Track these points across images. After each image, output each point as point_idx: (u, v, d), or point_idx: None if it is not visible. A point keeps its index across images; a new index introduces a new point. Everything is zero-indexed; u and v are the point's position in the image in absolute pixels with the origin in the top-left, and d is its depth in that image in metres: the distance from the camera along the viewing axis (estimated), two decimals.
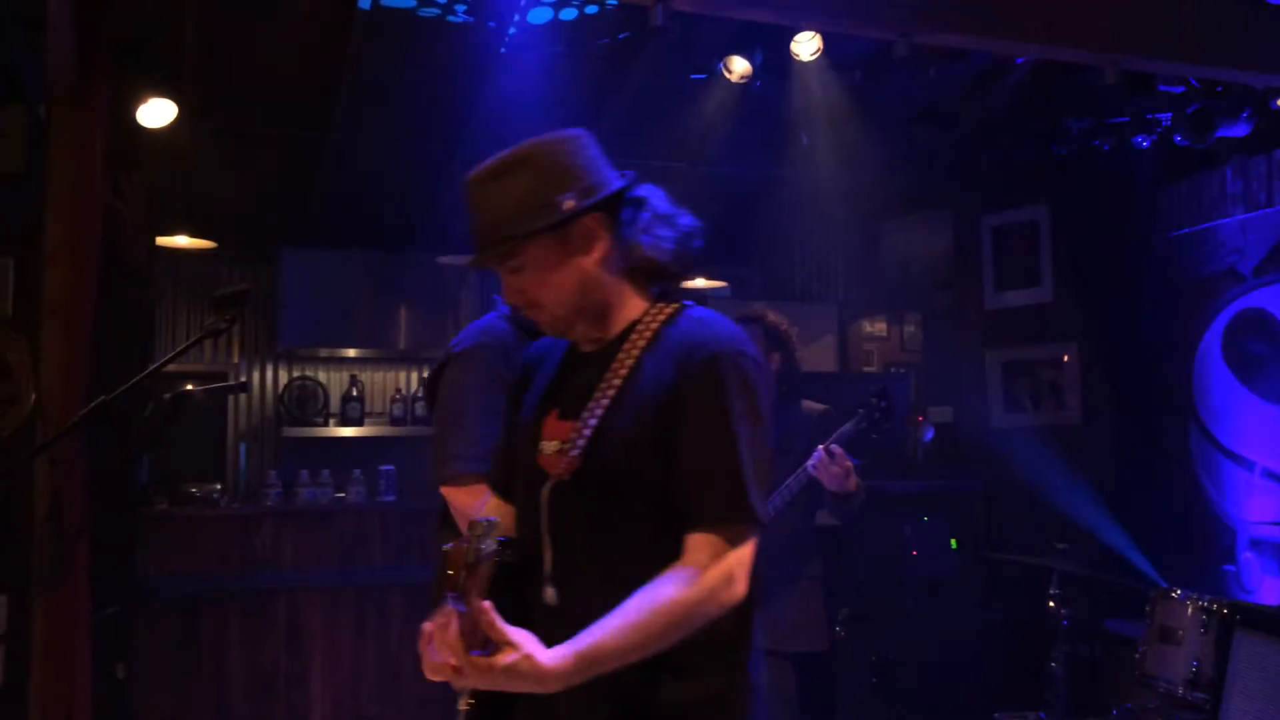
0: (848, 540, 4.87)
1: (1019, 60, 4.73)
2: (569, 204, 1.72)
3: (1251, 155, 4.95)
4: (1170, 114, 4.69)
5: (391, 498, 5.65)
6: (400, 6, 4.52)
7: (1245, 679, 2.68)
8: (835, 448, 3.30)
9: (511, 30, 4.61)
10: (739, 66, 4.60)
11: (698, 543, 1.63)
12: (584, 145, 1.80)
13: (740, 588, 1.64)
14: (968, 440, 5.82)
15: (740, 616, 1.70)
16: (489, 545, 1.46)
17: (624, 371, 1.73)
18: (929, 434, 5.82)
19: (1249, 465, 4.97)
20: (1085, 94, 4.86)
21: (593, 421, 1.70)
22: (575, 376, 1.82)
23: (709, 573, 1.61)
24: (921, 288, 6.42)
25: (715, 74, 4.69)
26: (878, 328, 6.77)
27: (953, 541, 5.30)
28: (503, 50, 4.68)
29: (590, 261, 1.76)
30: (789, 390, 3.65)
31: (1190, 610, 3.50)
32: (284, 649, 5.02)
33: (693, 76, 4.87)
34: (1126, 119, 4.88)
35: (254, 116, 5.28)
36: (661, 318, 1.77)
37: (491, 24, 4.59)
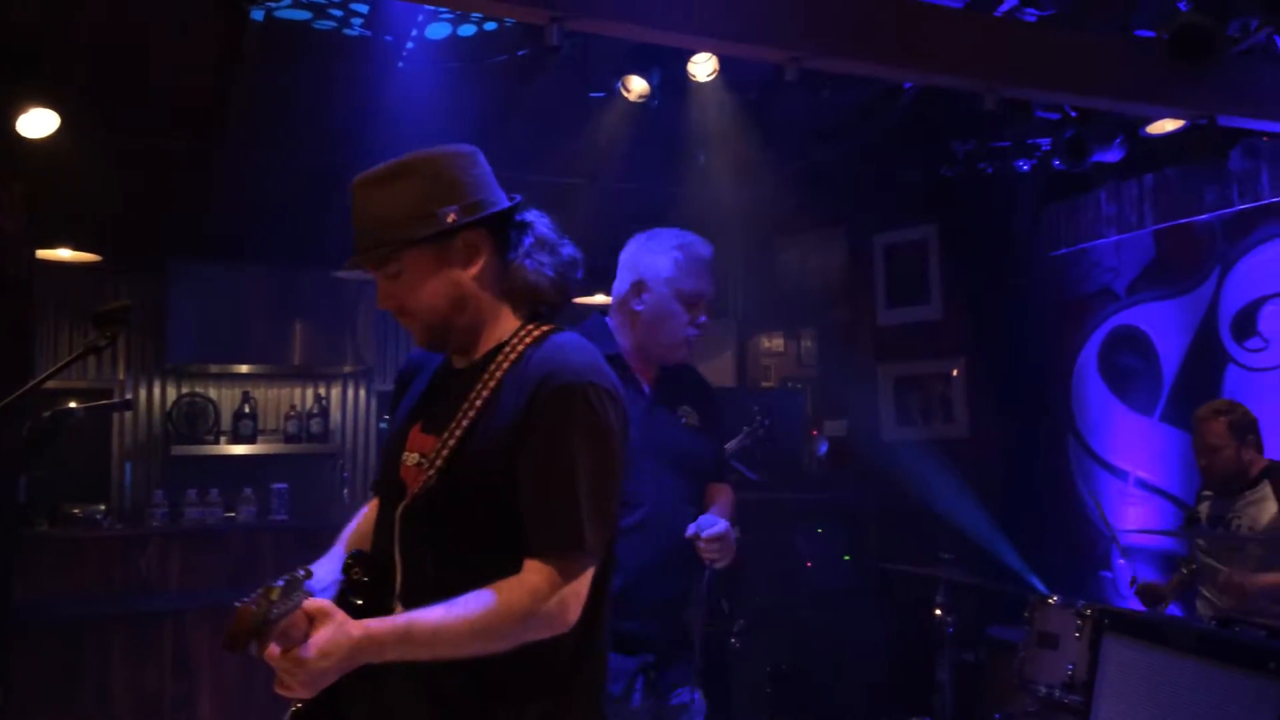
0: (741, 553, 4.94)
1: (907, 85, 4.90)
2: (451, 217, 1.74)
3: (1124, 180, 5.20)
4: (1049, 139, 4.89)
5: (284, 517, 5.55)
6: (295, 19, 4.46)
7: (1113, 681, 2.81)
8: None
9: (409, 45, 4.59)
10: (637, 85, 4.65)
11: (534, 568, 1.65)
12: (473, 161, 1.82)
13: (571, 615, 1.66)
14: (861, 453, 5.97)
15: (582, 641, 1.72)
16: (285, 608, 1.44)
17: (486, 393, 1.74)
18: (823, 448, 5.95)
19: (1123, 475, 5.20)
20: (970, 118, 5.04)
21: (451, 442, 1.72)
22: (443, 391, 1.83)
23: (542, 596, 1.63)
24: (817, 304, 6.56)
25: (614, 93, 4.74)
26: (775, 343, 6.89)
27: (846, 556, 5.41)
28: (400, 65, 4.66)
29: (467, 276, 1.78)
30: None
31: (1066, 616, 3.65)
32: (170, 672, 4.89)
33: (591, 95, 4.91)
34: (1009, 143, 5.07)
35: (142, 127, 5.15)
36: (528, 340, 1.79)
37: (389, 38, 4.56)
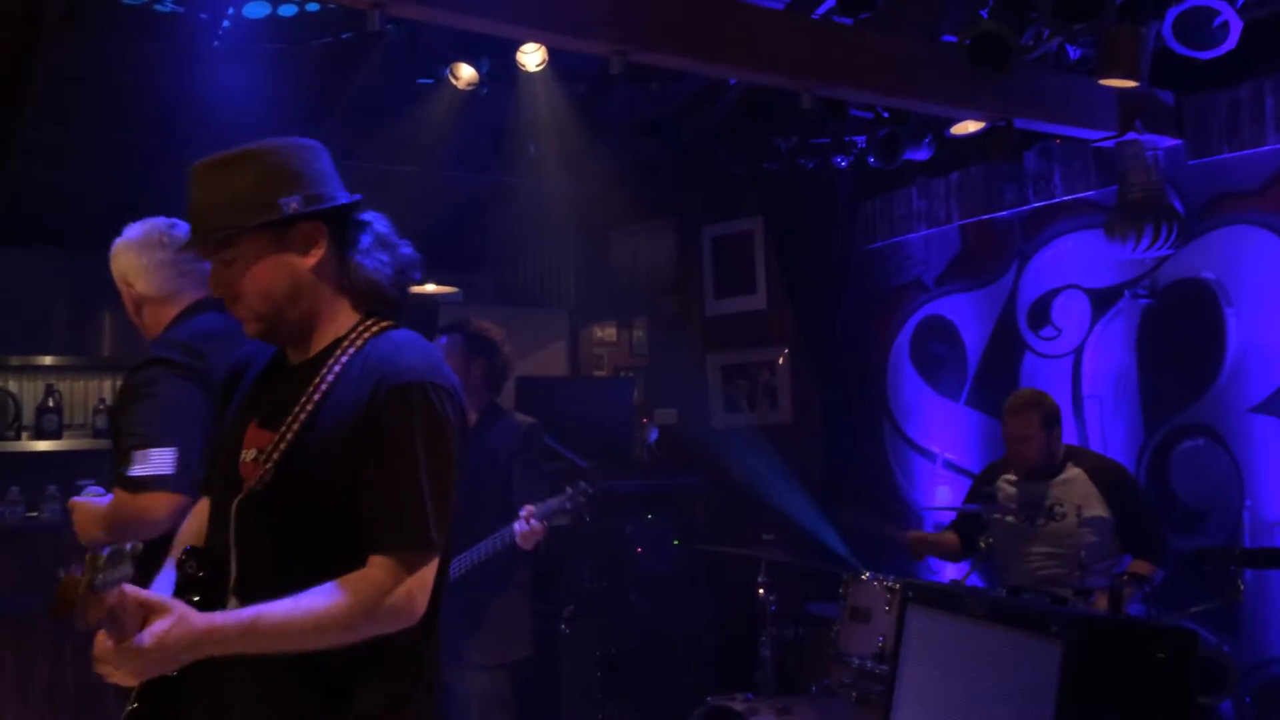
0: (572, 540, 5.00)
1: (732, 81, 5.03)
2: (293, 207, 1.74)
3: (933, 177, 5.49)
4: (864, 137, 5.11)
5: None
6: None
7: (915, 648, 2.99)
8: (536, 523, 3.44)
9: (225, 24, 4.43)
10: (465, 73, 4.62)
11: (378, 563, 1.68)
12: (317, 156, 1.83)
13: (419, 607, 1.70)
14: (690, 440, 6.10)
15: (422, 631, 1.74)
16: (110, 578, 1.43)
17: (324, 387, 1.75)
18: (653, 435, 6.07)
19: (932, 457, 5.50)
20: (792, 115, 5.22)
21: (289, 436, 1.72)
22: (279, 386, 1.82)
23: (389, 592, 1.66)
24: (648, 294, 6.67)
25: (442, 79, 4.70)
26: (608, 333, 6.97)
27: (675, 541, 5.54)
28: (216, 44, 4.49)
29: (304, 266, 1.78)
30: (495, 408, 3.75)
31: (877, 590, 3.85)
32: None
33: (419, 81, 4.85)
34: (827, 140, 5.27)
35: None
36: (367, 337, 1.80)
37: (203, 16, 4.39)
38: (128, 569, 1.45)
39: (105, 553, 1.42)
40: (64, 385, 6.20)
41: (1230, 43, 3.57)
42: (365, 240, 1.84)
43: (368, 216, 1.87)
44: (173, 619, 1.53)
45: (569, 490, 3.51)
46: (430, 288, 6.10)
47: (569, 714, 4.73)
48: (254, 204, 1.73)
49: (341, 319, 1.83)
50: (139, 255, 2.65)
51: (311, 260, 1.78)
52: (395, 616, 1.67)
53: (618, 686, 4.85)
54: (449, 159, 5.50)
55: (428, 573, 1.71)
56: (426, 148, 5.17)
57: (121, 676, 1.55)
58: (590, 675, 4.81)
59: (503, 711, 3.60)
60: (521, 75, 4.57)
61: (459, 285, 6.33)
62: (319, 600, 1.62)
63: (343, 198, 1.82)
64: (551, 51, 4.35)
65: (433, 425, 1.72)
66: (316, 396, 1.74)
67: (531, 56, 4.43)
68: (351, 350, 1.78)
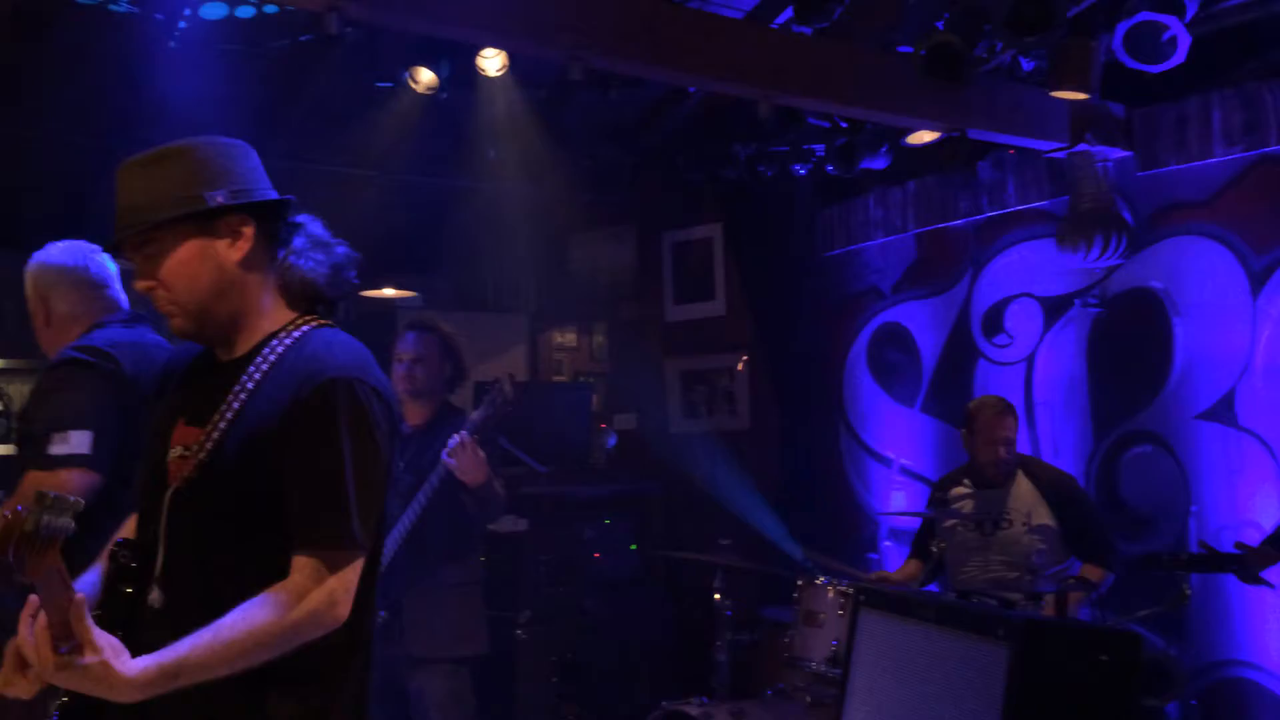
0: (530, 545, 5.00)
1: (691, 89, 5.06)
2: (217, 199, 1.74)
3: (890, 186, 5.55)
4: (823, 146, 5.16)
5: None
6: None
7: (866, 651, 3.03)
8: (464, 435, 3.37)
9: (181, 24, 4.39)
10: (425, 77, 4.61)
11: (301, 564, 1.66)
12: (245, 154, 1.83)
13: (342, 610, 1.68)
14: (649, 445, 6.12)
15: (349, 635, 1.73)
16: (55, 522, 1.41)
17: (250, 385, 1.75)
18: (612, 440, 6.08)
19: (888, 462, 5.56)
20: (751, 123, 5.26)
21: (214, 433, 1.72)
22: (207, 384, 1.82)
23: (309, 595, 1.64)
24: (608, 300, 6.68)
25: (401, 83, 4.68)
26: (568, 338, 6.97)
27: (632, 546, 5.55)
28: (172, 45, 4.45)
29: (231, 260, 1.77)
30: (450, 407, 3.75)
31: (830, 595, 3.88)
32: None
33: (378, 84, 4.84)
34: (786, 148, 5.31)
35: None
36: (297, 335, 1.80)
37: (159, 16, 4.36)
38: (69, 521, 1.43)
39: (53, 495, 1.41)
40: (13, 389, 6.10)
41: (1179, 57, 3.65)
42: (299, 241, 1.84)
43: (301, 218, 1.87)
44: (93, 662, 1.50)
45: (485, 397, 3.48)
46: (389, 291, 6.08)
47: (524, 717, 4.72)
48: (179, 197, 1.73)
49: (271, 317, 1.83)
50: (60, 276, 2.76)
51: (238, 254, 1.77)
52: (317, 623, 1.65)
53: (574, 691, 4.86)
54: (408, 163, 5.49)
55: (350, 573, 1.69)
56: (386, 151, 5.16)
57: (24, 689, 1.54)
58: (547, 680, 4.81)
59: (463, 709, 3.60)
60: (481, 79, 4.57)
61: (418, 289, 6.31)
62: (239, 628, 1.59)
63: (271, 194, 1.82)
64: (511, 56, 4.36)
65: (359, 423, 1.71)
66: (243, 394, 1.74)
67: (491, 61, 4.43)
68: (280, 348, 1.78)
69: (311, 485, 1.68)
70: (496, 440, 3.61)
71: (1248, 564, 3.53)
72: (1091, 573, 4.02)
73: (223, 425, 1.72)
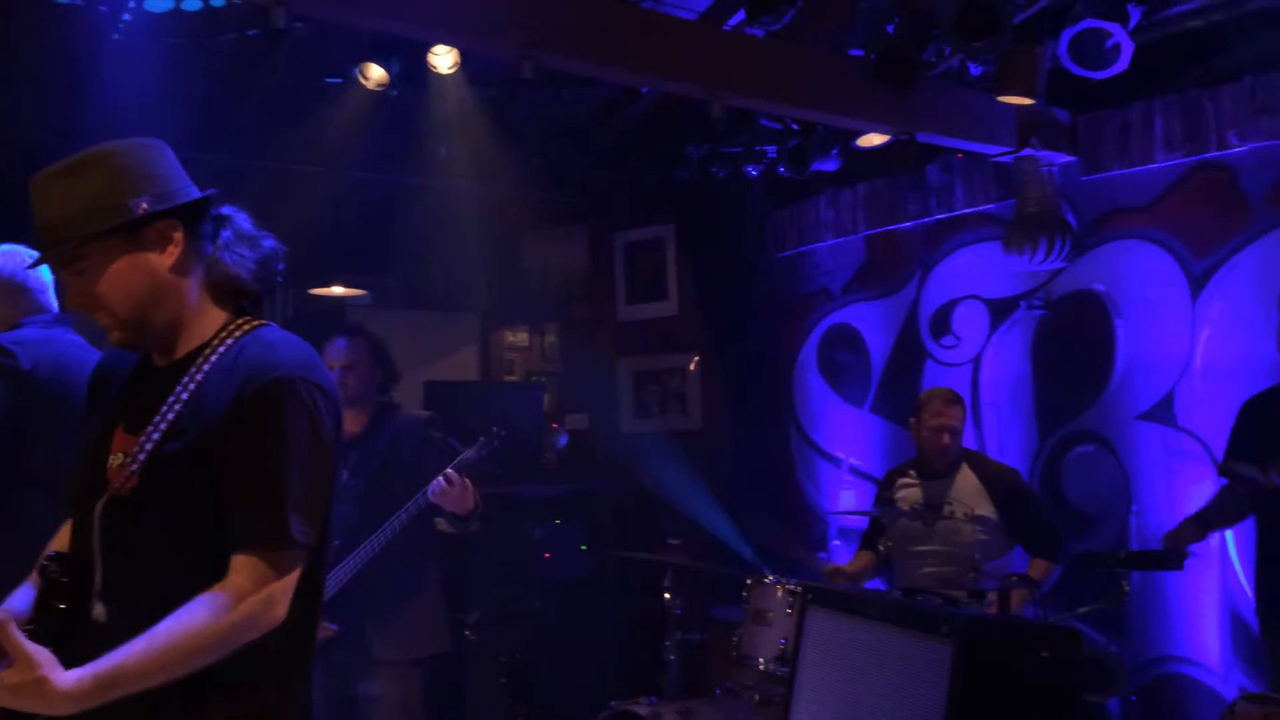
0: (479, 545, 4.97)
1: (644, 90, 5.07)
2: (143, 207, 1.70)
3: (840, 188, 5.60)
4: (775, 147, 5.20)
5: None
6: None
7: (813, 648, 3.05)
8: (453, 474, 3.39)
9: (126, 16, 4.32)
10: (375, 74, 4.57)
11: (239, 565, 1.64)
12: (162, 154, 1.79)
13: (279, 611, 1.65)
14: (600, 445, 6.12)
15: (293, 635, 1.72)
16: None
17: (192, 387, 1.72)
18: (563, 440, 6.07)
19: (837, 462, 5.61)
20: (704, 124, 5.28)
21: (155, 436, 1.69)
22: (145, 390, 1.79)
23: (246, 598, 1.62)
24: (560, 299, 6.67)
25: (351, 79, 4.64)
26: (519, 338, 6.95)
27: (583, 546, 5.55)
28: (116, 37, 4.38)
29: (163, 266, 1.74)
30: (389, 406, 3.73)
31: (779, 594, 3.90)
32: None
33: (328, 80, 4.79)
34: (738, 149, 5.34)
35: None
36: (235, 335, 1.78)
37: (103, 8, 4.28)
38: None
39: None
40: None
41: (1122, 64, 3.72)
42: (224, 235, 1.81)
43: (226, 210, 1.84)
44: (26, 678, 1.48)
45: (481, 439, 3.50)
46: (338, 290, 6.03)
47: (473, 718, 4.70)
48: (102, 209, 1.68)
49: (208, 319, 1.80)
50: None
51: (169, 259, 1.74)
52: (253, 624, 1.62)
53: (523, 691, 4.84)
54: (359, 160, 5.43)
55: (290, 574, 1.67)
56: (336, 148, 5.10)
57: None
58: (495, 680, 4.79)
59: (409, 711, 3.57)
60: (433, 77, 4.54)
61: (367, 288, 6.27)
62: (174, 635, 1.57)
63: (195, 193, 1.79)
64: (463, 54, 4.34)
65: (303, 422, 1.69)
66: (185, 395, 1.71)
67: (443, 58, 4.40)
68: (221, 349, 1.75)
69: (251, 484, 1.66)
70: (446, 439, 3.59)
71: (1174, 543, 3.64)
72: (1037, 568, 4.09)
73: (163, 428, 1.69)
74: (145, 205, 1.70)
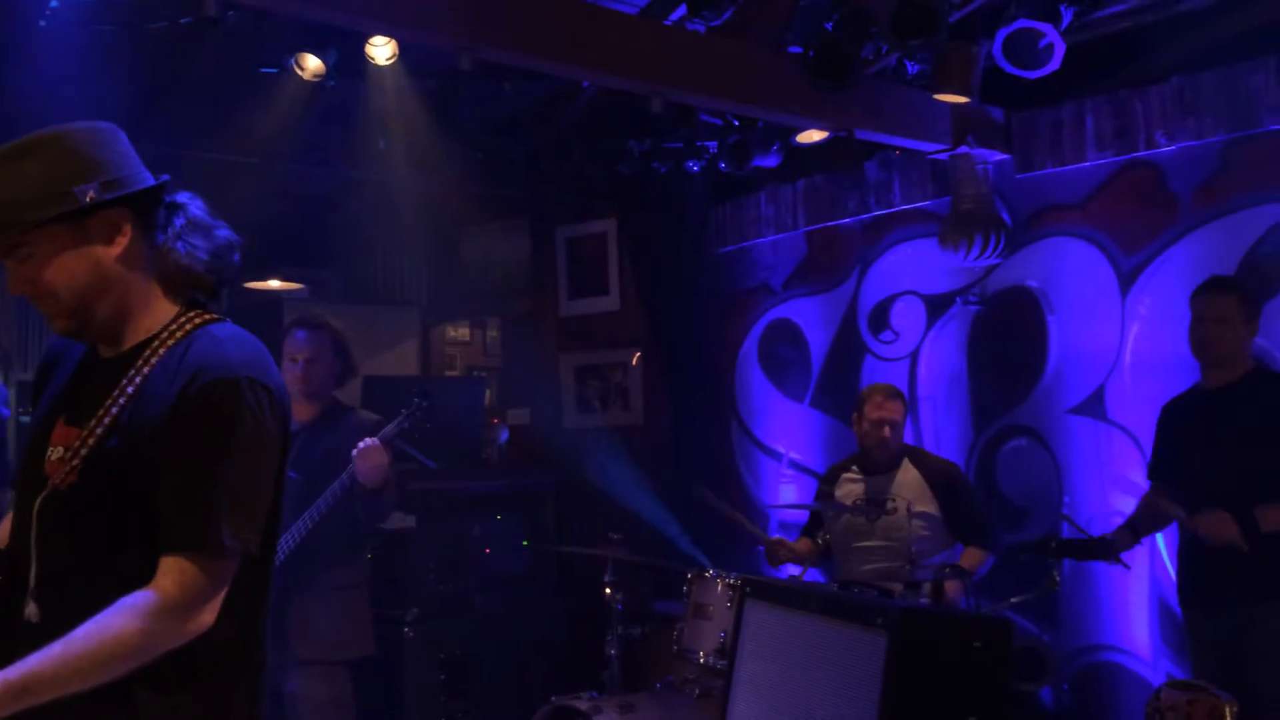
0: (418, 542, 4.93)
1: (585, 83, 5.05)
2: (90, 195, 1.65)
3: (781, 184, 5.63)
4: (716, 143, 5.21)
5: None
6: None
7: (751, 641, 3.07)
8: (376, 441, 3.36)
9: (53, 2, 4.21)
10: (311, 64, 4.50)
11: (167, 568, 1.60)
12: (114, 138, 1.73)
13: (208, 617, 1.61)
14: (543, 440, 6.10)
15: (235, 641, 1.69)
16: None
17: (138, 380, 1.68)
18: (504, 435, 6.04)
19: (778, 456, 5.65)
20: (644, 119, 5.28)
21: (98, 431, 1.64)
22: (89, 382, 1.74)
23: (172, 602, 1.57)
24: (501, 294, 6.63)
25: (287, 69, 4.57)
26: (461, 332, 6.91)
27: (524, 542, 5.52)
28: (42, 24, 4.26)
29: (110, 256, 1.69)
30: (339, 405, 3.70)
31: (720, 587, 3.92)
32: None
33: (263, 70, 4.71)
34: (680, 144, 5.35)
35: None
36: (187, 329, 1.73)
37: None
38: None
39: None
40: None
41: (1054, 64, 3.78)
42: (177, 223, 1.76)
43: (181, 198, 1.78)
44: None
45: (403, 411, 3.49)
46: (274, 283, 5.94)
47: (411, 716, 4.66)
48: (47, 195, 1.63)
49: (158, 311, 1.75)
50: None
51: (116, 250, 1.69)
52: (176, 631, 1.57)
53: (462, 687, 4.81)
54: (295, 152, 5.35)
55: (217, 581, 1.62)
56: (271, 140, 5.02)
57: None
58: (435, 677, 4.75)
59: (341, 712, 3.54)
60: (371, 68, 4.48)
61: (305, 282, 6.18)
62: (92, 640, 1.52)
63: (146, 180, 1.73)
64: (402, 45, 4.29)
65: (246, 424, 1.64)
66: (130, 390, 1.67)
67: (381, 49, 4.34)
68: (170, 343, 1.71)
69: (184, 487, 1.61)
70: (394, 439, 3.57)
71: (1110, 547, 3.71)
72: (971, 558, 4.15)
73: (106, 422, 1.64)
74: (93, 193, 1.65)
